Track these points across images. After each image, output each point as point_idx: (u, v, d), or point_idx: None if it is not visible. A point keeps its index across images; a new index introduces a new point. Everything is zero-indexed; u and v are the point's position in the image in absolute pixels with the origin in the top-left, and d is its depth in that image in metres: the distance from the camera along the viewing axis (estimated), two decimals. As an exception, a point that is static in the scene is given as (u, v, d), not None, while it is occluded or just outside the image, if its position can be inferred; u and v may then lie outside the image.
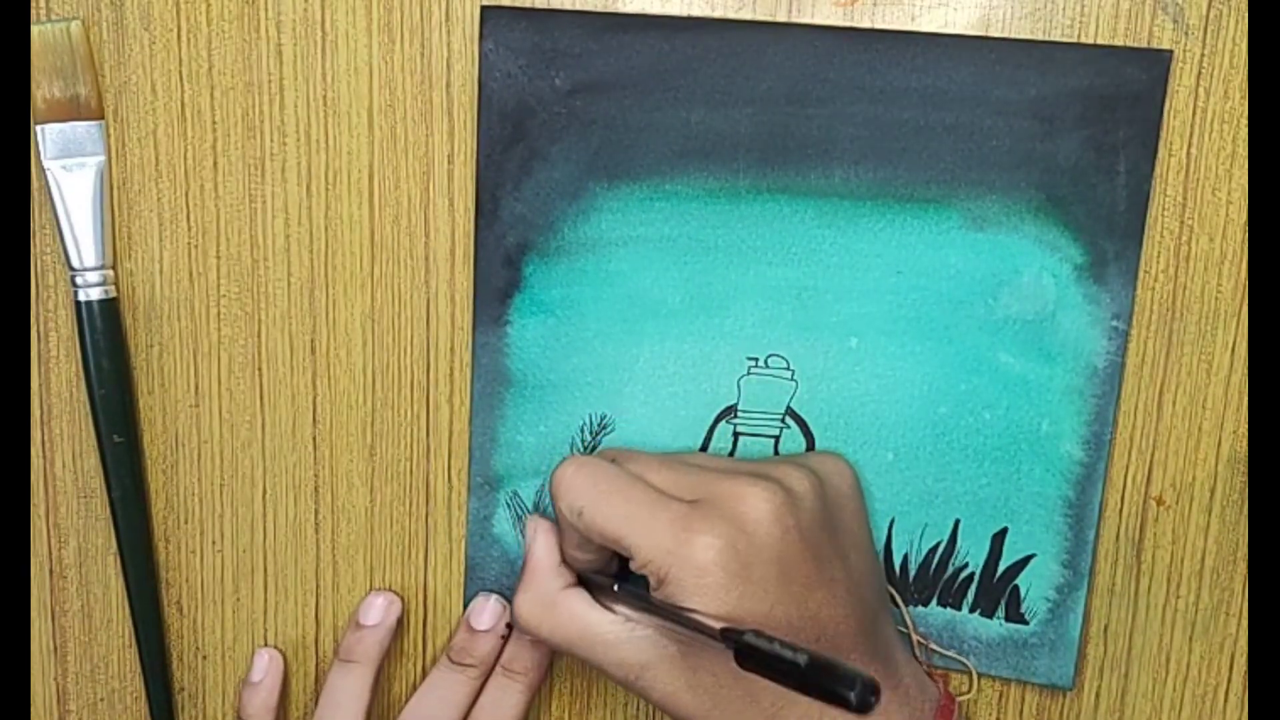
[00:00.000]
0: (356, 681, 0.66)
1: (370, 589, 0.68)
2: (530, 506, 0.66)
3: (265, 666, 0.69)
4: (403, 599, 0.67)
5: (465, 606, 0.67)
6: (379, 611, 0.67)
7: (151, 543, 0.68)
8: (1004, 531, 0.63)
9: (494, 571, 0.67)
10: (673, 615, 0.54)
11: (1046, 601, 0.63)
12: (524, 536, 0.65)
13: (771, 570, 0.54)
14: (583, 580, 0.61)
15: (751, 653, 0.50)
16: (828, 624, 0.55)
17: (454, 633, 0.67)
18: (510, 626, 0.66)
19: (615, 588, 0.58)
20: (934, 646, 0.64)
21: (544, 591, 0.60)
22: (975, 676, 0.65)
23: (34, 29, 0.61)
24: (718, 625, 0.52)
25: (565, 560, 0.61)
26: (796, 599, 0.55)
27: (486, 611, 0.66)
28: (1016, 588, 0.63)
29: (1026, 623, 0.64)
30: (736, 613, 0.54)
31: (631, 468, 0.58)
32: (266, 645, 0.69)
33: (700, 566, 0.54)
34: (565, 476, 0.58)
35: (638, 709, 0.68)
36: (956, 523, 0.63)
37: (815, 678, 0.48)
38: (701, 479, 0.57)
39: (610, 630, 0.58)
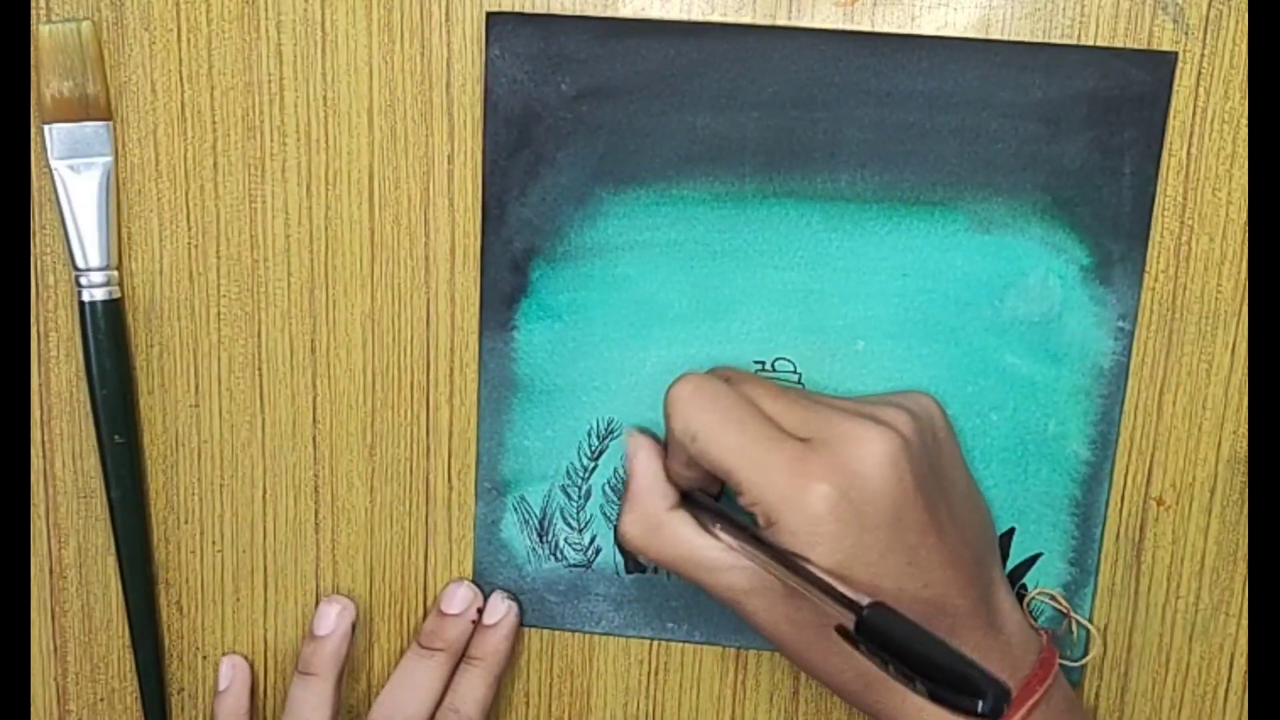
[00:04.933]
0: (316, 694, 0.65)
1: (371, 590, 0.68)
2: (538, 511, 0.66)
3: (230, 674, 0.68)
4: (357, 605, 0.67)
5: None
6: (332, 621, 0.66)
7: (151, 543, 0.67)
8: (1011, 532, 0.63)
9: (501, 577, 0.67)
10: (782, 561, 0.53)
11: (1053, 600, 0.64)
12: (624, 455, 0.63)
13: (884, 519, 0.53)
14: (688, 498, 0.60)
15: (873, 628, 0.48)
16: (935, 570, 0.54)
17: (424, 619, 0.67)
18: (480, 612, 0.66)
19: (718, 527, 0.57)
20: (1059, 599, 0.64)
21: (649, 513, 0.59)
22: (1097, 636, 0.64)
23: (44, 28, 0.61)
24: (831, 580, 0.52)
25: (670, 475, 0.60)
26: (907, 547, 0.54)
27: (458, 595, 0.66)
28: (1024, 587, 0.64)
29: (1034, 620, 0.64)
30: (847, 563, 0.53)
31: (745, 390, 0.57)
32: (232, 653, 0.69)
33: (814, 516, 0.53)
34: (682, 396, 0.57)
35: (638, 709, 0.68)
36: (965, 524, 0.63)
37: (942, 674, 0.46)
38: (816, 415, 0.56)
39: (716, 556, 0.56)
